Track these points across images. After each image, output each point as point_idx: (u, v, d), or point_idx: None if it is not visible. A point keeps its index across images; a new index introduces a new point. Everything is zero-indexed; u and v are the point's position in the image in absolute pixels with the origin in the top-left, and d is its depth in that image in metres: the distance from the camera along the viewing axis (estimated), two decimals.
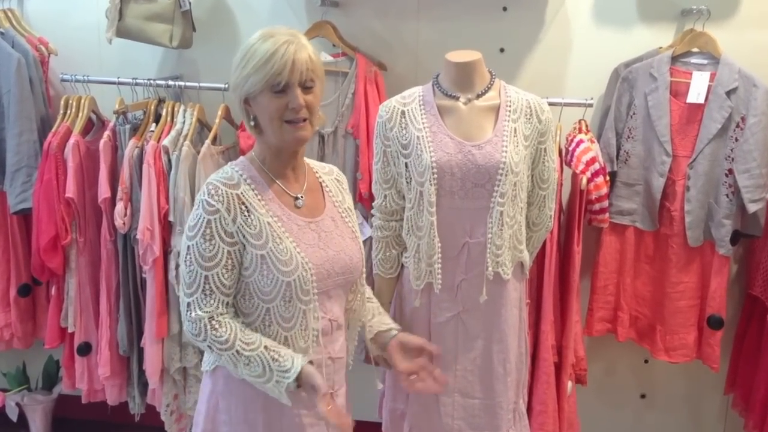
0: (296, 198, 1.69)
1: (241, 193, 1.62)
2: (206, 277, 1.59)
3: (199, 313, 1.59)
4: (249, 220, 1.60)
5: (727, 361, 2.82)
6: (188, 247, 1.60)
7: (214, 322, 1.59)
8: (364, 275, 1.87)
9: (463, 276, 2.09)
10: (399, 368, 1.80)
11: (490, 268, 2.06)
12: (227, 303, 1.63)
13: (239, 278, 1.63)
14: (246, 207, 1.61)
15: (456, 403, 2.15)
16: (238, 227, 1.60)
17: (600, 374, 3.00)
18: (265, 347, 1.59)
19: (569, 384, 2.56)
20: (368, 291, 1.93)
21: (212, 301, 1.60)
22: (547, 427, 2.47)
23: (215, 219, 1.58)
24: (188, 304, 1.61)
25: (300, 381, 1.58)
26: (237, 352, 1.58)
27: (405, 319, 2.20)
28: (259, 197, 1.64)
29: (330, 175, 1.82)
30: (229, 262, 1.60)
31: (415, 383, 1.80)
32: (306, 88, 1.59)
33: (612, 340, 2.81)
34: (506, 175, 2.01)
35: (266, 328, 1.65)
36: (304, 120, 1.60)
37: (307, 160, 1.80)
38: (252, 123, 1.65)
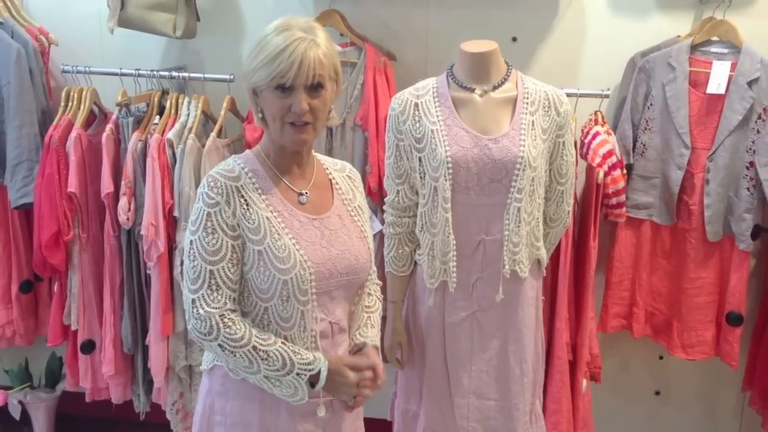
0: (300, 194, 1.64)
1: (241, 185, 1.58)
2: (211, 271, 1.54)
3: (208, 309, 1.54)
4: (248, 213, 1.56)
5: (745, 358, 2.77)
6: (191, 241, 1.56)
7: (226, 320, 1.55)
8: (376, 276, 1.81)
9: (479, 274, 2.04)
10: None
11: (506, 266, 2.01)
12: (234, 299, 1.58)
13: (242, 274, 1.59)
14: (245, 200, 1.57)
15: (471, 405, 2.10)
16: (238, 220, 1.56)
17: (614, 371, 2.94)
18: (282, 342, 1.58)
19: (584, 382, 2.51)
20: (370, 299, 1.80)
21: (220, 297, 1.55)
22: (561, 427, 2.43)
23: (215, 212, 1.55)
24: (193, 301, 1.55)
25: (316, 379, 1.57)
26: (254, 347, 1.54)
27: (418, 319, 2.15)
28: (260, 191, 1.59)
29: (342, 172, 1.76)
30: (234, 256, 1.56)
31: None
32: (313, 90, 1.54)
33: (625, 336, 2.76)
34: (524, 170, 1.95)
35: (264, 328, 1.61)
36: (307, 124, 1.55)
37: (318, 156, 1.75)
38: (260, 115, 1.61)
